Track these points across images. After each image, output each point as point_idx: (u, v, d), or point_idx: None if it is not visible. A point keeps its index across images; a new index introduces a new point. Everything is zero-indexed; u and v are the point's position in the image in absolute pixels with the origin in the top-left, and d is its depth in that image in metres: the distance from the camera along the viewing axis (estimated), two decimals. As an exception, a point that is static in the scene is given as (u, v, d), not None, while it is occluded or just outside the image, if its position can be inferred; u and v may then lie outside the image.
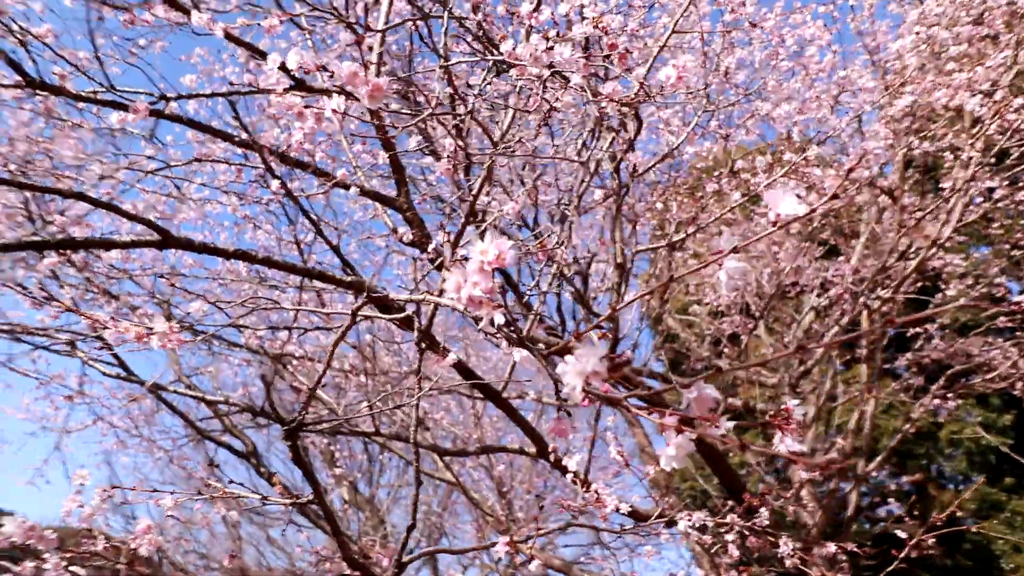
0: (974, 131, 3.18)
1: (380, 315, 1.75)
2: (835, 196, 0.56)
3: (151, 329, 1.14)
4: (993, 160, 3.17)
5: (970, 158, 3.09)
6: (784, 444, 0.59)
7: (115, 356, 4.36)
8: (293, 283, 4.47)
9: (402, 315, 1.39)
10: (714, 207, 4.42)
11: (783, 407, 0.64)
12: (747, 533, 1.83)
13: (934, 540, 2.90)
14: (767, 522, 1.99)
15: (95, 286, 4.61)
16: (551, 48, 1.08)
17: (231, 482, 1.34)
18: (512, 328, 0.65)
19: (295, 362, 5.53)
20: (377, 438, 3.75)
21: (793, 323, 6.16)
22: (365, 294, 1.15)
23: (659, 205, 3.73)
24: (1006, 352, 5.14)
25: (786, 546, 1.84)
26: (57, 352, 4.49)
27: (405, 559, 1.67)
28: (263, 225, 5.49)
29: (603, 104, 1.50)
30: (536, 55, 1.07)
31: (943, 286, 5.57)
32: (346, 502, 9.34)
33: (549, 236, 1.57)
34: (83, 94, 2.82)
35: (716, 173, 3.84)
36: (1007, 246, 5.36)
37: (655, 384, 4.22)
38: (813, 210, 0.53)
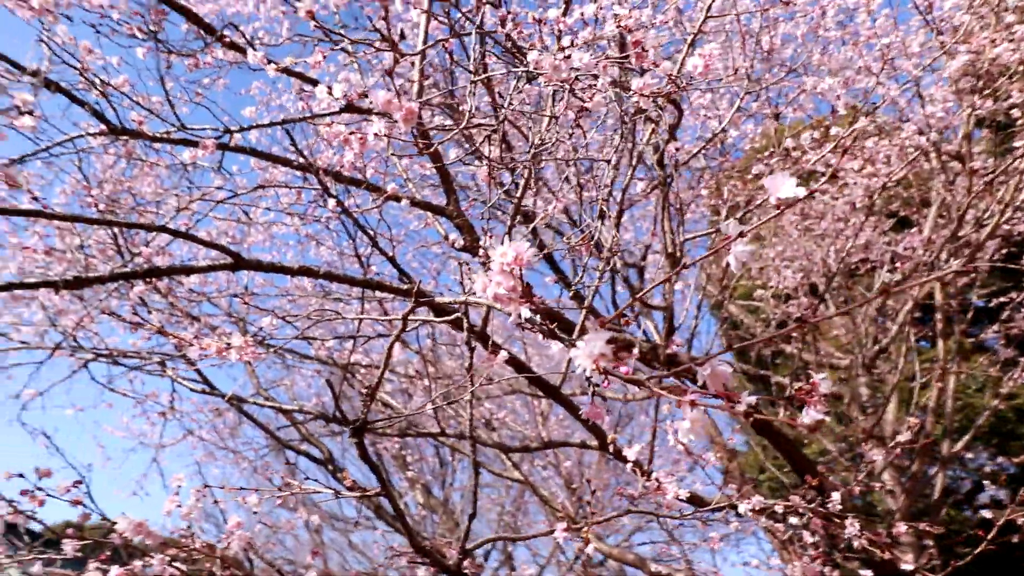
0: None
1: (430, 318, 1.84)
2: (834, 176, 0.59)
3: (230, 344, 1.26)
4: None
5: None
6: (808, 416, 0.62)
7: (199, 373, 4.68)
8: (356, 295, 4.67)
9: (451, 317, 1.47)
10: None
11: (810, 380, 0.66)
12: (811, 515, 1.80)
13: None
14: (840, 506, 1.96)
15: (178, 309, 4.97)
16: (568, 57, 1.13)
17: (307, 479, 1.46)
18: (545, 321, 0.70)
19: (363, 370, 5.77)
20: (443, 438, 3.86)
21: (866, 301, 5.91)
22: (414, 299, 1.23)
23: (705, 192, 3.68)
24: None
25: (852, 527, 1.80)
26: (150, 373, 4.86)
27: (468, 546, 1.75)
28: (325, 242, 5.77)
29: (635, 99, 1.53)
30: (555, 64, 1.12)
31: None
32: (421, 505, 9.60)
33: (592, 231, 1.61)
34: (158, 135, 3.07)
35: (766, 153, 3.76)
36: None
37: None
38: (811, 193, 0.56)
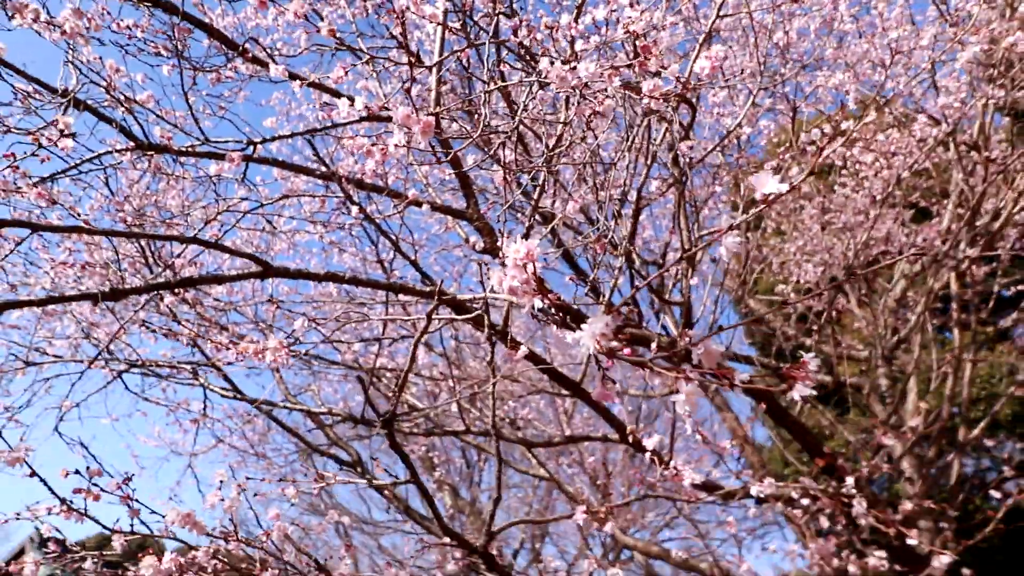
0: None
1: (453, 316, 1.91)
2: (812, 172, 0.64)
3: (266, 347, 1.35)
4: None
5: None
6: (796, 392, 0.68)
7: (228, 380, 4.82)
8: (380, 299, 4.78)
9: (473, 315, 1.54)
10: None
11: (801, 359, 0.72)
12: (819, 496, 1.84)
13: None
14: (854, 490, 1.99)
15: (206, 319, 5.12)
16: (574, 68, 1.19)
17: (341, 468, 1.54)
18: (558, 312, 0.77)
19: (388, 375, 5.88)
20: (468, 436, 3.94)
21: (885, 293, 5.87)
22: (436, 297, 1.30)
23: (719, 188, 3.71)
24: None
25: (860, 506, 1.83)
26: (180, 382, 5.01)
27: (494, 529, 1.82)
28: (347, 249, 5.89)
29: (647, 101, 1.59)
30: (562, 75, 1.18)
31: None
32: (449, 506, 9.72)
33: (606, 230, 1.67)
34: (184, 149, 3.19)
35: (781, 149, 3.77)
36: None
37: (738, 366, 4.20)
38: (793, 187, 0.62)
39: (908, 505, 2.08)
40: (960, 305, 4.49)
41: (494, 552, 1.74)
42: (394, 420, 1.47)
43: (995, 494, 2.24)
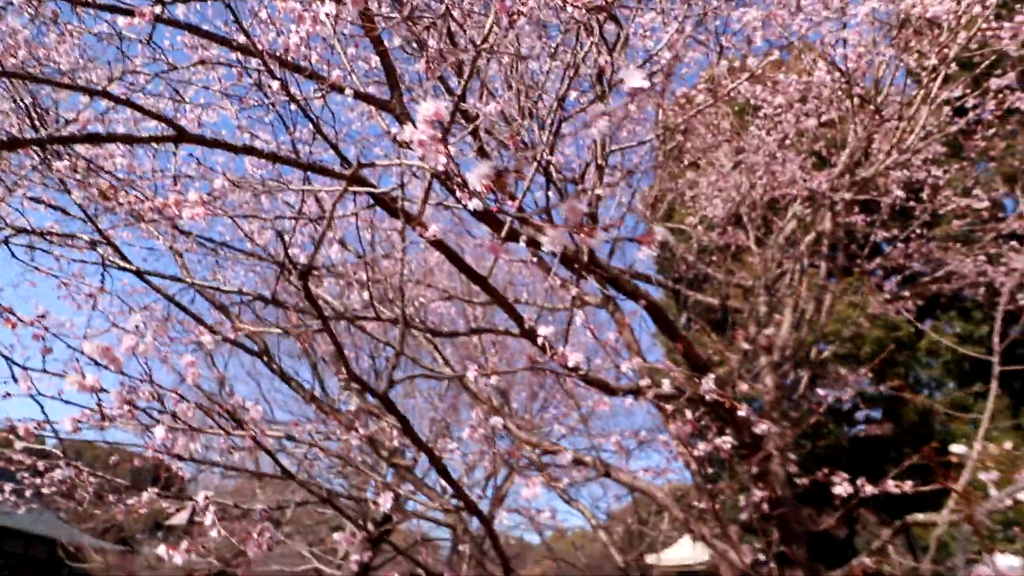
0: (941, 38, 3.27)
1: (370, 190, 2.00)
2: (669, 73, 0.79)
3: (186, 200, 1.40)
4: (958, 69, 3.27)
5: (935, 66, 3.20)
6: (642, 253, 0.86)
7: (124, 259, 4.62)
8: (295, 188, 4.68)
9: (388, 189, 1.63)
10: (703, 116, 4.53)
11: (649, 230, 0.90)
12: (679, 377, 2.17)
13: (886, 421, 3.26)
14: (713, 384, 2.33)
15: (101, 192, 4.81)
16: (498, -41, 1.26)
17: (252, 330, 1.65)
18: (459, 174, 0.90)
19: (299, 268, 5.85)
20: (376, 324, 4.10)
21: (779, 231, 6.41)
22: (356, 163, 1.39)
23: (633, 107, 3.88)
24: (976, 261, 5.45)
25: (708, 384, 2.19)
26: (74, 260, 4.75)
27: (395, 379, 2.02)
28: (260, 136, 5.63)
29: (570, 10, 1.67)
30: (487, -35, 1.26)
31: (923, 196, 5.77)
32: (358, 408, 9.98)
33: (520, 127, 1.78)
34: (86, -2, 2.92)
35: (703, 84, 3.96)
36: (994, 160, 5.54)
37: (642, 285, 4.55)
38: (652, 86, 0.77)
39: (744, 386, 2.50)
40: (830, 244, 5.03)
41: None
42: (310, 272, 1.58)
43: (821, 392, 2.72)
